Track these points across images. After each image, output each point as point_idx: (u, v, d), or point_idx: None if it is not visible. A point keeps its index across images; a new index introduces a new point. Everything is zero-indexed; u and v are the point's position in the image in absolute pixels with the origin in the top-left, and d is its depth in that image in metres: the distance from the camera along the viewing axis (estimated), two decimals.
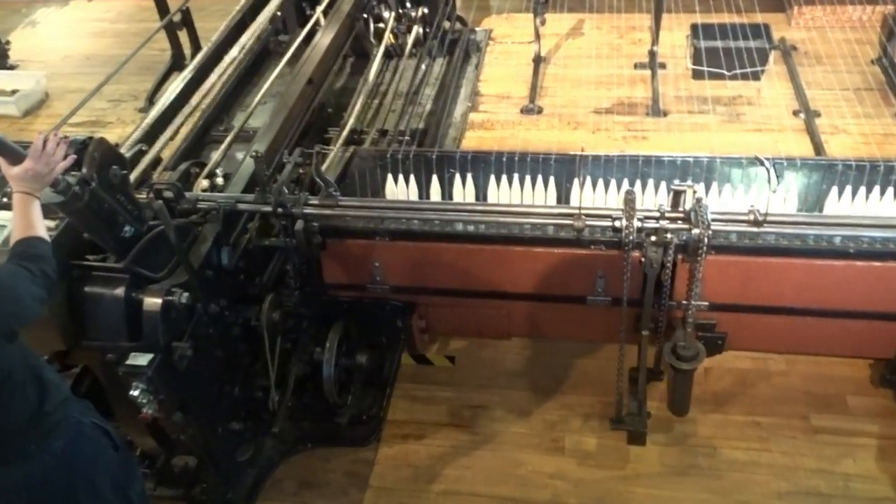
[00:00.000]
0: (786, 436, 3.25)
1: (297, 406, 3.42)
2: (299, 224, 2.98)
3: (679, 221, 2.77)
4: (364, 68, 4.57)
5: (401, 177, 3.49)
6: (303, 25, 4.57)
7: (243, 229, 3.06)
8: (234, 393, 3.06)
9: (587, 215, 2.86)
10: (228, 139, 3.57)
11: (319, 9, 4.64)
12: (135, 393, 2.48)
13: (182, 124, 3.67)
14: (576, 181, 3.24)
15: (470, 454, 3.33)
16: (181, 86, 3.89)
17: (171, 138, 3.59)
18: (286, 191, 3.02)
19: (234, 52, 4.16)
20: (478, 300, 3.28)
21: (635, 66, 5.26)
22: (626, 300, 2.90)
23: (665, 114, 4.77)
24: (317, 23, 4.57)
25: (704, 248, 2.71)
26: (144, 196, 2.88)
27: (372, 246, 3.12)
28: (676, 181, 2.91)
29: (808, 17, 5.62)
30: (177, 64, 5.27)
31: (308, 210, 3.00)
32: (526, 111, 4.92)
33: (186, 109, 3.73)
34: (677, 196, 2.80)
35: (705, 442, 3.26)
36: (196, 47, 5.06)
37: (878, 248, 2.81)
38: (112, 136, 3.97)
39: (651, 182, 3.32)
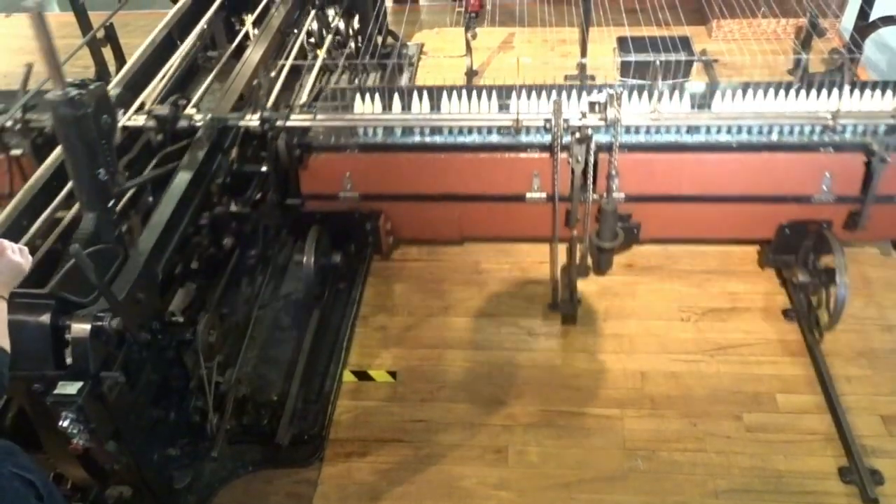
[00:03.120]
0: (720, 435, 3.35)
1: (237, 428, 3.36)
2: (282, 138, 3.52)
3: (598, 119, 3.52)
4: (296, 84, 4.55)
5: (367, 96, 3.97)
6: (232, 41, 4.51)
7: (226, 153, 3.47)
8: (171, 418, 2.97)
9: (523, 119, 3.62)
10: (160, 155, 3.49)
11: (249, 20, 4.59)
12: (64, 423, 2.38)
13: None
14: (513, 94, 3.92)
15: (414, 469, 3.31)
16: None
17: None
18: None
19: (162, 68, 4.08)
20: (434, 203, 3.90)
21: (565, 78, 5.37)
22: (557, 195, 3.68)
23: None
24: (246, 37, 4.52)
25: (619, 137, 3.44)
26: (142, 121, 3.46)
27: (343, 158, 3.76)
28: (595, 91, 3.72)
29: (726, 29, 5.86)
30: (101, 81, 5.11)
31: (290, 123, 3.61)
32: None
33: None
34: (592, 106, 3.54)
35: (644, 445, 3.33)
36: (121, 64, 4.92)
37: (756, 142, 3.59)
38: None
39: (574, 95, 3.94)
